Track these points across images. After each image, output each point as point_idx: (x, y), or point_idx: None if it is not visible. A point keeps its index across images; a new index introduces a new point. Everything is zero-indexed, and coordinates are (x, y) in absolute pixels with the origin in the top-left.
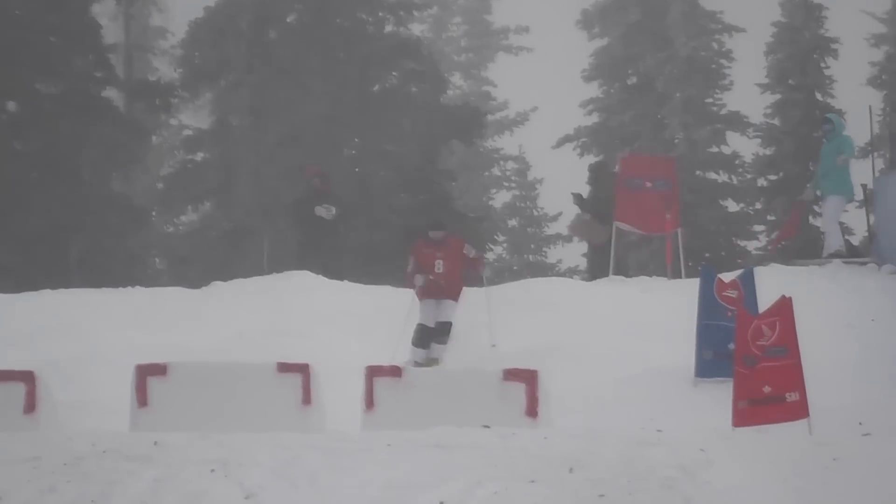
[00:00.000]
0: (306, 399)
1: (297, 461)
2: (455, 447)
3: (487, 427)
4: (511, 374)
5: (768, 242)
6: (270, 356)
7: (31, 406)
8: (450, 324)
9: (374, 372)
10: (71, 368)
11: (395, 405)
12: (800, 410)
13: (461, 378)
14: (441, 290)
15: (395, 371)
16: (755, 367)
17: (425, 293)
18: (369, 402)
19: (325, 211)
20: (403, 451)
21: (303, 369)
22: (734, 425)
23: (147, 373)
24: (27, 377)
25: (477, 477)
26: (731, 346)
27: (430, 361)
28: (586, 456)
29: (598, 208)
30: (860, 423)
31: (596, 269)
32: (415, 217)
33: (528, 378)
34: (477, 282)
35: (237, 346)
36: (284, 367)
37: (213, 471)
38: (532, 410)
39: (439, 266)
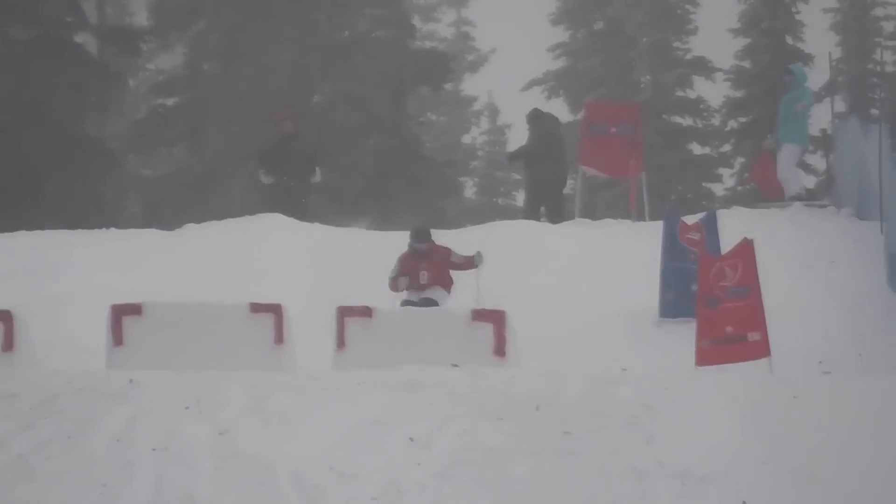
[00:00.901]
0: (278, 339)
1: (269, 399)
2: (424, 386)
3: (456, 366)
4: (479, 315)
5: (740, 182)
6: (243, 297)
7: (8, 345)
8: (435, 301)
9: (344, 312)
10: (47, 308)
11: (365, 345)
12: (761, 350)
13: (430, 318)
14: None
15: (366, 311)
16: (717, 307)
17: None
18: (340, 341)
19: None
20: (373, 390)
21: (275, 309)
22: (697, 364)
23: (122, 312)
24: (4, 316)
25: (445, 415)
26: (694, 287)
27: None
28: (552, 394)
29: (529, 152)
30: (820, 362)
31: (528, 208)
32: (383, 161)
33: (495, 319)
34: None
35: (211, 287)
36: (257, 308)
37: (187, 408)
38: (500, 350)
39: (423, 277)
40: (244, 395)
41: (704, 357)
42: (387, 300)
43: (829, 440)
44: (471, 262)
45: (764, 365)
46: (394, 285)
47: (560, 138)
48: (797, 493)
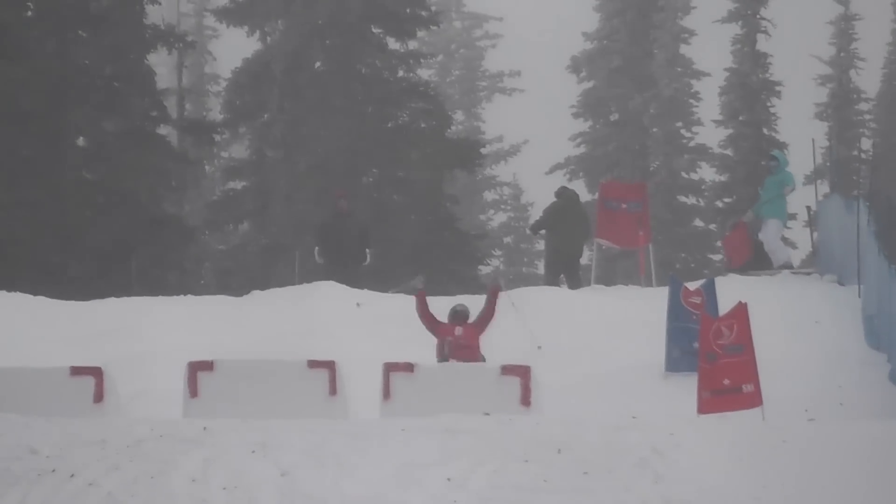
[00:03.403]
0: (333, 390)
1: (325, 444)
2: (460, 432)
3: (488, 414)
4: (507, 370)
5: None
6: (302, 354)
7: (99, 396)
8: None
9: (390, 367)
10: (133, 365)
11: (408, 396)
12: (754, 400)
13: (465, 372)
14: (461, 351)
15: (408, 367)
16: (716, 362)
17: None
18: (386, 393)
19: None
20: (416, 436)
21: (329, 365)
22: (699, 412)
23: (197, 368)
24: (96, 372)
25: (478, 457)
26: (696, 344)
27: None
28: (572, 439)
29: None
30: (806, 410)
31: (548, 274)
32: (423, 235)
33: (522, 373)
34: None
35: (274, 346)
36: (314, 364)
37: (253, 452)
38: (526, 400)
39: (458, 331)
40: (303, 440)
41: (705, 406)
42: (427, 357)
43: (815, 479)
44: (494, 296)
45: (757, 413)
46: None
47: (579, 212)
48: None
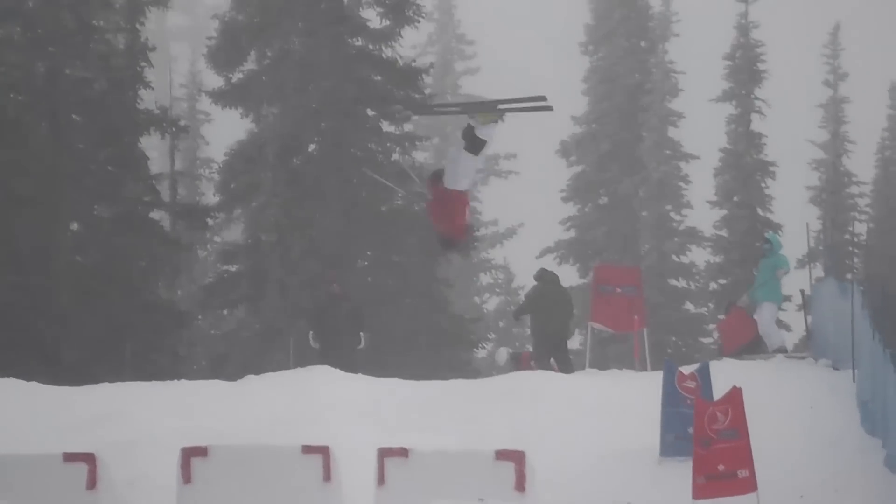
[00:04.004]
0: (327, 476)
1: None
2: None
3: (482, 500)
4: (502, 455)
5: (715, 342)
6: (296, 439)
7: (92, 483)
8: None
9: (384, 453)
10: (126, 451)
11: (403, 482)
12: (749, 485)
13: (459, 457)
14: None
15: (403, 452)
16: (711, 447)
17: None
18: (380, 478)
19: None
20: None
21: (324, 451)
22: (694, 498)
23: (191, 454)
24: (89, 458)
25: None
26: (691, 429)
27: None
28: None
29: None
30: (801, 497)
31: (538, 358)
32: (417, 318)
33: (516, 457)
34: None
35: (268, 431)
36: (308, 449)
37: None
38: (520, 485)
39: None
40: None
41: (700, 491)
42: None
43: None
44: None
45: (752, 499)
46: None
47: (560, 294)
48: None
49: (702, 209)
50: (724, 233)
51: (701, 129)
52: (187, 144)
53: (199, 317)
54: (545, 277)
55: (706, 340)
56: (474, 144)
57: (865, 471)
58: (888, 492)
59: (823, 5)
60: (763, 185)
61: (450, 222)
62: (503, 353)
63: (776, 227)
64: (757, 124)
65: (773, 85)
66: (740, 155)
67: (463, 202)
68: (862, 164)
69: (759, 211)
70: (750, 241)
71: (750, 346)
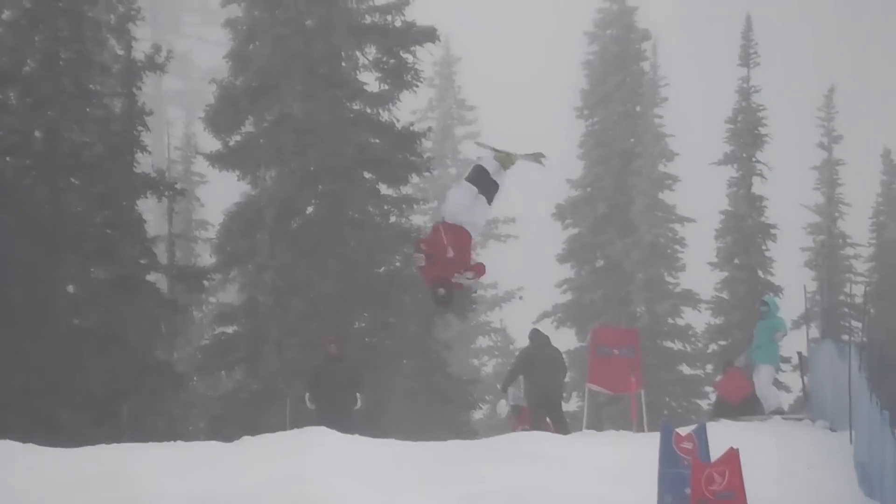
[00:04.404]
0: None
1: None
2: None
3: None
4: None
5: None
6: (293, 501)
7: None
8: None
9: None
10: None
11: None
12: None
13: None
14: None
15: None
16: None
17: None
18: None
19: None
20: None
21: None
22: None
23: None
24: None
25: None
26: (688, 490)
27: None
28: None
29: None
30: None
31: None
32: (415, 379)
33: None
34: None
35: (265, 492)
36: None
37: None
38: None
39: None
40: None
41: None
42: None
43: None
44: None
45: None
46: None
47: (551, 353)
48: None
49: (702, 271)
50: (724, 295)
51: (699, 192)
52: (182, 206)
53: (195, 378)
54: (535, 338)
55: (702, 402)
56: (488, 189)
57: None
58: None
59: (819, 68)
60: (764, 247)
61: (459, 255)
62: (504, 405)
63: (777, 290)
64: (758, 187)
65: (772, 148)
66: (742, 217)
67: (469, 236)
68: (856, 227)
69: (760, 273)
70: (750, 303)
71: (749, 399)
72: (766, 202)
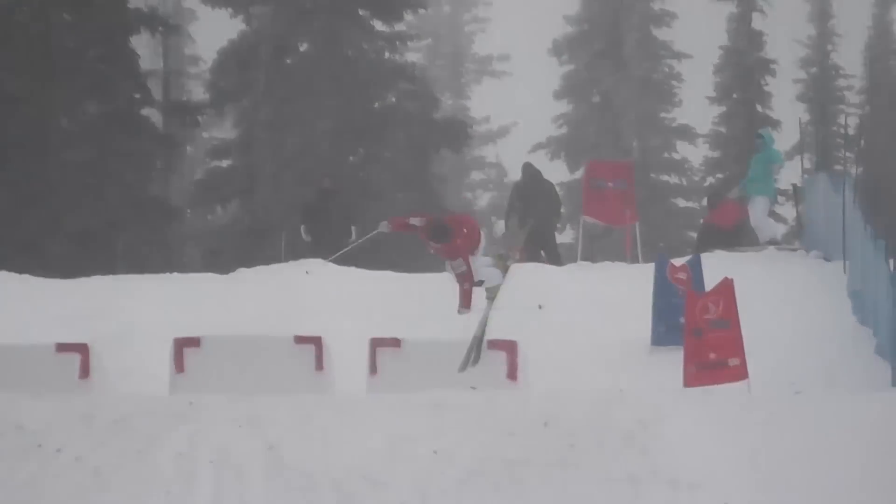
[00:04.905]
0: (319, 366)
1: (312, 418)
2: (446, 406)
3: (474, 389)
4: (494, 344)
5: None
6: (288, 330)
7: (85, 373)
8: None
9: (376, 343)
10: (119, 341)
11: (394, 371)
12: (740, 373)
13: (451, 347)
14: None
15: (395, 342)
16: (702, 337)
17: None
18: (373, 368)
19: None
20: (402, 410)
21: (316, 341)
22: (685, 386)
23: (183, 345)
24: (82, 349)
25: (465, 431)
26: (682, 319)
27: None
28: (558, 413)
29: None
30: (792, 384)
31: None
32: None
33: (508, 347)
34: None
35: (260, 322)
36: (300, 339)
37: (240, 427)
38: (512, 374)
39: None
40: (290, 415)
41: (691, 379)
42: (414, 332)
43: (801, 452)
44: (470, 278)
45: (743, 387)
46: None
47: (542, 186)
48: (773, 497)
49: (700, 106)
50: (722, 129)
51: (698, 28)
52: (174, 42)
53: (189, 211)
54: (527, 171)
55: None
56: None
57: (856, 358)
58: (879, 379)
59: None
60: (763, 82)
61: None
62: (502, 226)
63: (775, 124)
64: (758, 23)
65: None
66: (741, 53)
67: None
68: (848, 58)
69: (759, 108)
70: (748, 137)
71: (741, 227)
72: (765, 37)
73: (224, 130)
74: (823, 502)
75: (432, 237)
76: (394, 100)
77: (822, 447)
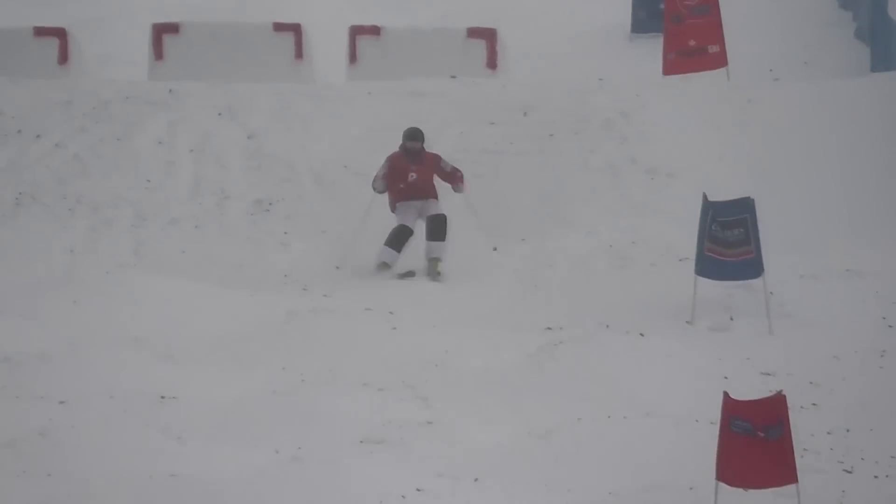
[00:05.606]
0: (298, 54)
1: (291, 107)
2: (426, 95)
3: (454, 77)
4: (474, 32)
5: None
6: (267, 17)
7: (63, 58)
8: (444, 216)
9: (356, 31)
10: (97, 26)
11: (374, 59)
12: (720, 60)
13: (430, 35)
14: (419, 189)
15: (375, 30)
16: (682, 23)
17: (402, 195)
18: (352, 56)
19: None
20: (382, 99)
21: (295, 28)
22: (664, 74)
23: (162, 30)
24: (60, 33)
25: (444, 119)
26: (662, 5)
27: (408, 272)
28: (538, 102)
29: None
30: (770, 70)
31: None
32: None
33: (488, 35)
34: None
35: (239, 9)
36: (279, 27)
37: (219, 114)
38: (492, 63)
39: (412, 177)
40: (269, 103)
41: (670, 67)
42: (395, 20)
43: (778, 137)
44: (458, 177)
45: (722, 74)
46: (375, 184)
47: None
48: (748, 184)
49: None
50: None
51: None
52: None
53: None
54: None
55: None
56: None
57: (835, 43)
58: (857, 63)
59: None
60: None
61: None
62: None
63: None
64: None
65: None
66: None
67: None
68: None
69: None
70: None
71: None
72: None
73: None
74: (798, 187)
75: None
76: None
77: (798, 132)
